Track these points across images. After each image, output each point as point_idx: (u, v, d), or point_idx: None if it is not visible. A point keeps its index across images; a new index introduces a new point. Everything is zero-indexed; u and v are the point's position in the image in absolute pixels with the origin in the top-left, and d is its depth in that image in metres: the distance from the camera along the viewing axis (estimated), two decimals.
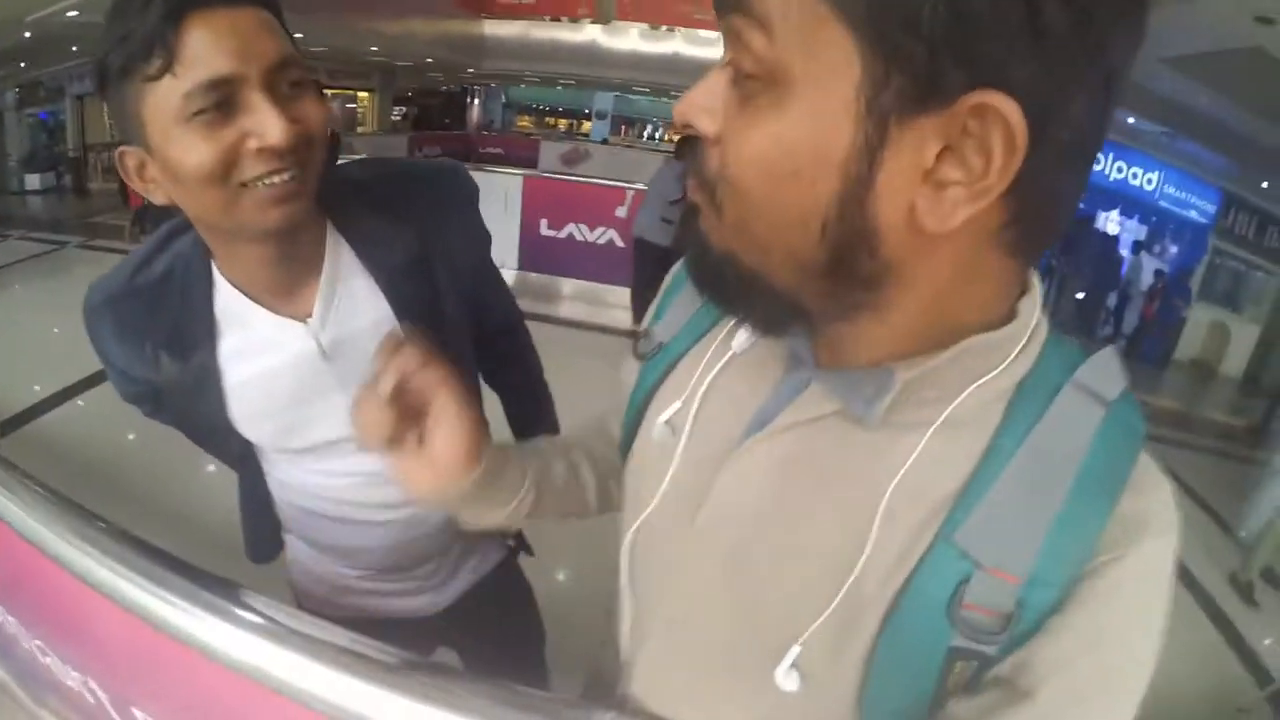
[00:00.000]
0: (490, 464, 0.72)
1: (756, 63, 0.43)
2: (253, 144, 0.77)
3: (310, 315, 0.96)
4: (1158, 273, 9.47)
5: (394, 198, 1.01)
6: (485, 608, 1.31)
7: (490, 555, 1.33)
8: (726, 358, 0.64)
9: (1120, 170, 9.71)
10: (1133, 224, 10.26)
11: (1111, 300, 9.72)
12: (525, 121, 21.92)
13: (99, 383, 4.22)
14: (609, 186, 7.25)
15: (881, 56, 0.39)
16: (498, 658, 1.34)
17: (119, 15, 0.74)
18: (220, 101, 0.75)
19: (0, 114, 13.38)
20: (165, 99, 0.75)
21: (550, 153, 16.55)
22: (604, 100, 19.66)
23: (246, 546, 1.28)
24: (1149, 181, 9.78)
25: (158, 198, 0.84)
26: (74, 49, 12.58)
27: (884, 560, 0.52)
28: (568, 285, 7.19)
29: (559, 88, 19.39)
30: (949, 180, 0.41)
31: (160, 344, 0.96)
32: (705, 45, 14.53)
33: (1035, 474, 0.49)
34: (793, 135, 0.42)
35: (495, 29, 15.41)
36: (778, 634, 0.56)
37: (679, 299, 0.74)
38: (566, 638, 1.51)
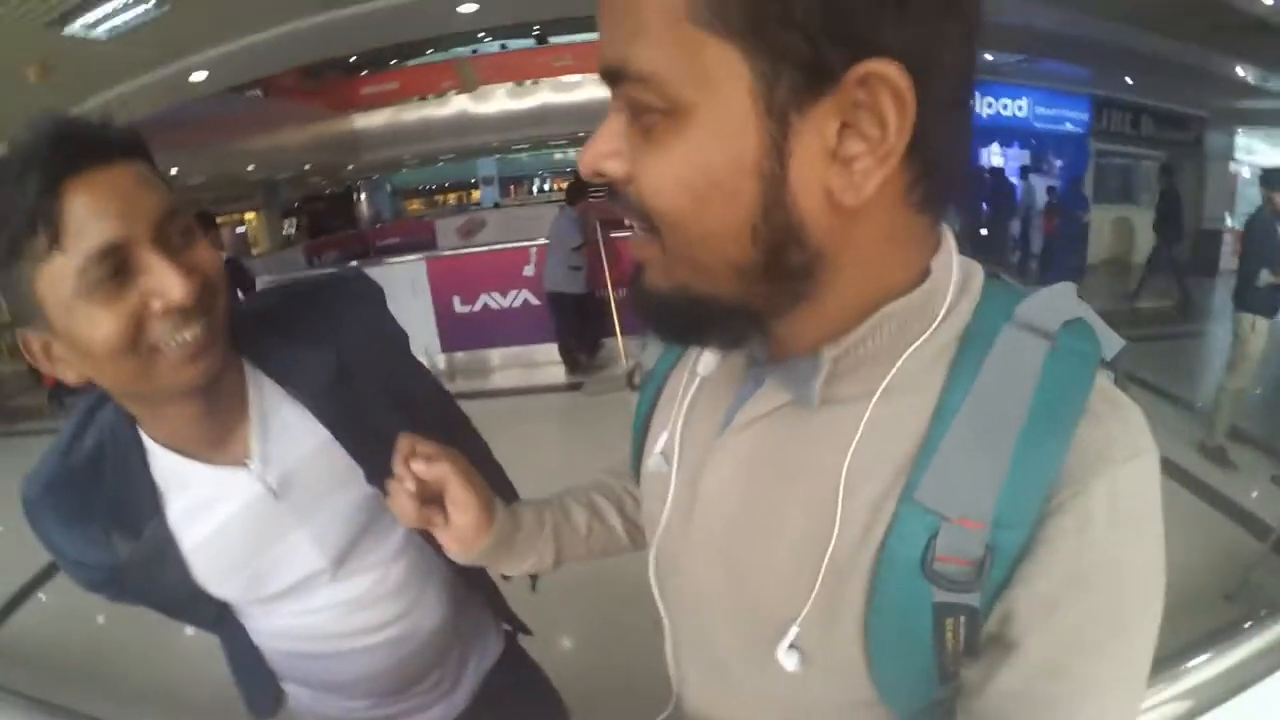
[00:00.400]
0: (503, 527, 0.84)
1: (651, 102, 0.45)
2: (157, 305, 0.75)
3: (249, 459, 0.92)
4: (1050, 189, 9.91)
5: (301, 320, 0.99)
6: (502, 701, 1.26)
7: (491, 648, 1.28)
8: (697, 383, 0.68)
9: (990, 105, 10.19)
10: (1015, 151, 10.75)
11: (1016, 228, 10.12)
12: (415, 205, 21.83)
13: (52, 576, 4.02)
14: (511, 249, 7.35)
15: (766, 57, 0.41)
16: None
17: None
18: (115, 269, 0.73)
19: None
20: (59, 276, 0.72)
21: (447, 230, 16.50)
22: (487, 165, 19.79)
23: (246, 705, 1.20)
24: (1019, 108, 10.29)
25: (69, 376, 0.80)
26: None
27: (853, 533, 0.52)
28: (496, 355, 7.25)
29: (440, 164, 19.42)
30: (854, 154, 0.44)
31: (108, 523, 0.91)
32: (571, 90, 14.80)
33: (985, 418, 0.49)
34: (704, 153, 0.44)
35: (365, 121, 15.40)
36: (775, 620, 0.57)
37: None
38: (589, 705, 1.48)
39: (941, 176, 0.48)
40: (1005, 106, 10.25)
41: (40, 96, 6.38)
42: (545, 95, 15.26)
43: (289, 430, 0.95)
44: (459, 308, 7.18)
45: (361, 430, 0.98)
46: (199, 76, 7.16)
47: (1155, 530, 0.49)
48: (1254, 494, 3.86)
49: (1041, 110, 10.27)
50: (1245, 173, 9.74)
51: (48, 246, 0.71)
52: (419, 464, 0.77)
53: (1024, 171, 10.35)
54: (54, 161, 0.71)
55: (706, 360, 0.66)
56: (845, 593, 0.53)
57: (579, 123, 16.04)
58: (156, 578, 0.94)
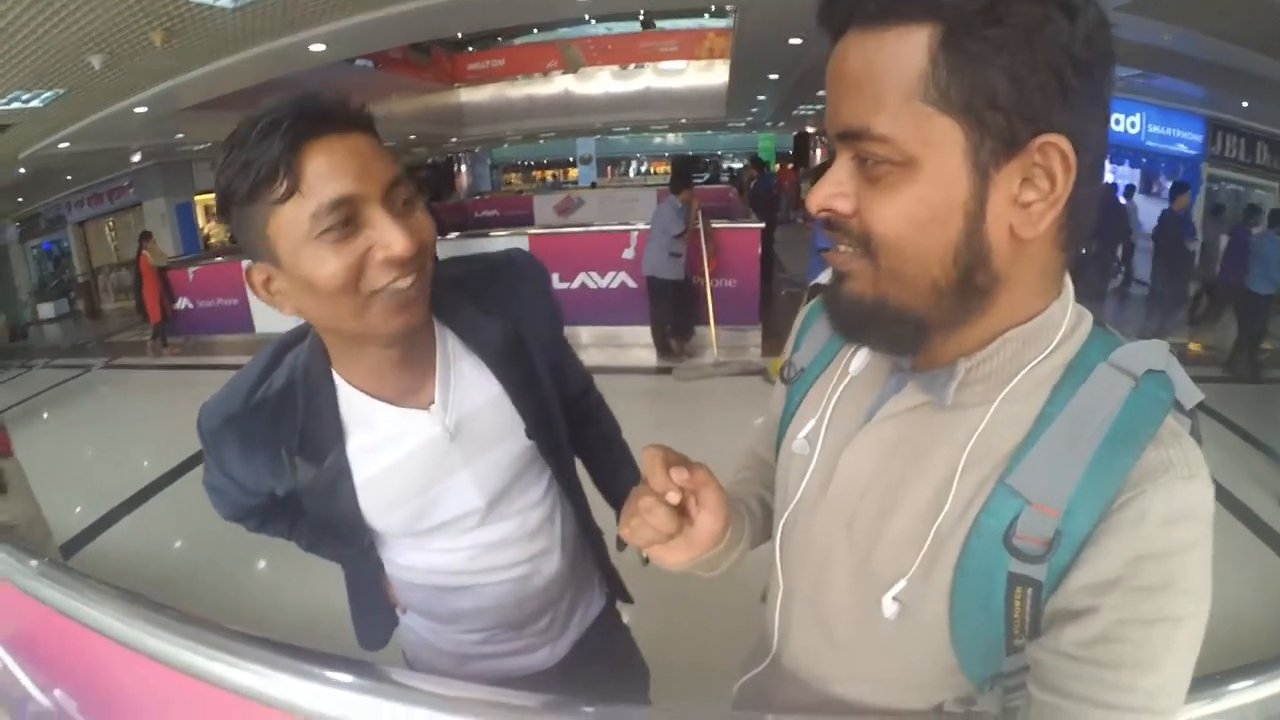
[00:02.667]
0: (732, 518, 0.85)
1: (887, 157, 0.58)
2: (380, 255, 0.84)
3: (431, 404, 1.04)
4: (1162, 213, 9.37)
5: (484, 290, 1.12)
6: (596, 655, 1.37)
7: (594, 604, 1.39)
8: (847, 380, 0.81)
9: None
10: (1124, 170, 10.25)
11: (1119, 251, 9.64)
12: (513, 179, 22.20)
13: (142, 502, 4.38)
14: (613, 232, 7.46)
15: (975, 129, 0.56)
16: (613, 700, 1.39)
17: (239, 145, 0.81)
18: (345, 219, 0.82)
19: (5, 249, 13.88)
20: (294, 218, 0.82)
21: (544, 206, 16.63)
22: (586, 145, 20.00)
23: (360, 635, 1.35)
24: (1132, 125, 9.82)
25: (285, 309, 0.90)
26: (69, 179, 13.02)
27: (958, 508, 0.65)
28: (585, 334, 7.34)
29: (541, 141, 19.69)
30: (1030, 200, 0.57)
31: (292, 451, 1.01)
32: (673, 76, 14.79)
33: (1072, 431, 0.61)
34: (930, 195, 0.58)
35: (471, 95, 15.78)
36: (884, 577, 0.71)
37: (812, 332, 0.90)
38: (662, 671, 1.57)
39: (1080, 223, 0.61)
40: (1118, 122, 9.80)
41: (163, 60, 6.80)
42: (648, 79, 15.29)
43: (466, 382, 1.07)
44: (557, 284, 7.19)
45: (527, 389, 1.12)
46: (317, 48, 7.46)
47: (1204, 546, 0.58)
48: None
49: (1155, 129, 9.78)
50: None
51: (286, 192, 0.81)
52: (682, 473, 0.75)
53: (1128, 191, 9.85)
54: (301, 122, 0.81)
55: (858, 360, 0.80)
56: (943, 555, 0.66)
57: (679, 108, 16.02)
58: (326, 505, 1.06)
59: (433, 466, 1.05)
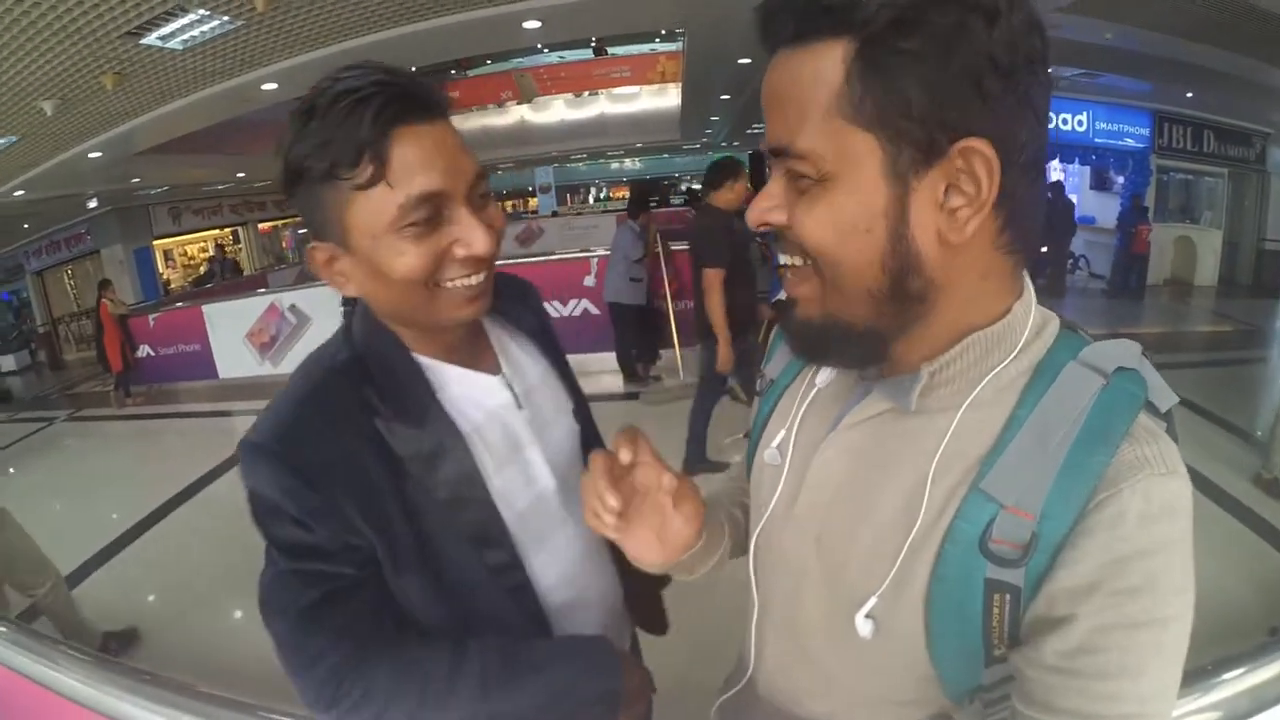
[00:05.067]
0: (709, 533, 0.89)
1: (807, 172, 0.60)
2: (460, 252, 0.84)
3: (499, 371, 1.02)
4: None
5: (507, 286, 1.10)
6: None
7: (626, 631, 1.28)
8: (815, 389, 0.81)
9: (1049, 119, 9.94)
10: (1075, 167, 10.50)
11: (1078, 246, 9.87)
12: None
13: (113, 555, 4.27)
14: (574, 260, 7.55)
15: (892, 141, 0.57)
16: None
17: (317, 119, 0.79)
18: (431, 214, 0.81)
19: None
20: (377, 207, 0.80)
21: (505, 239, 16.72)
22: (545, 174, 20.04)
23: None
24: (1080, 123, 10.07)
25: (348, 290, 0.89)
26: (25, 226, 12.82)
27: (930, 516, 0.65)
28: None
29: (499, 171, 19.72)
30: (956, 205, 0.59)
31: (389, 417, 0.90)
32: (627, 101, 14.89)
33: (1043, 432, 0.60)
34: (849, 205, 0.60)
35: None
36: (856, 592, 0.70)
37: (783, 345, 0.90)
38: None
39: (1024, 226, 0.63)
40: (1065, 121, 10.04)
41: (116, 103, 6.73)
42: (602, 105, 15.37)
43: (519, 357, 1.08)
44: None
45: (565, 371, 1.14)
46: (270, 87, 7.45)
47: (1185, 543, 0.58)
48: None
49: (1102, 125, 10.03)
50: None
51: (371, 179, 0.78)
52: (669, 479, 0.82)
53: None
54: (389, 104, 0.78)
55: (824, 374, 0.81)
56: (916, 566, 0.65)
57: (635, 133, 16.18)
58: (439, 470, 0.92)
59: (511, 433, 1.01)
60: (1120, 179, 10.17)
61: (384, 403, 0.90)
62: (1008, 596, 0.60)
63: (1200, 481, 3.98)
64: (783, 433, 0.82)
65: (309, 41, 6.51)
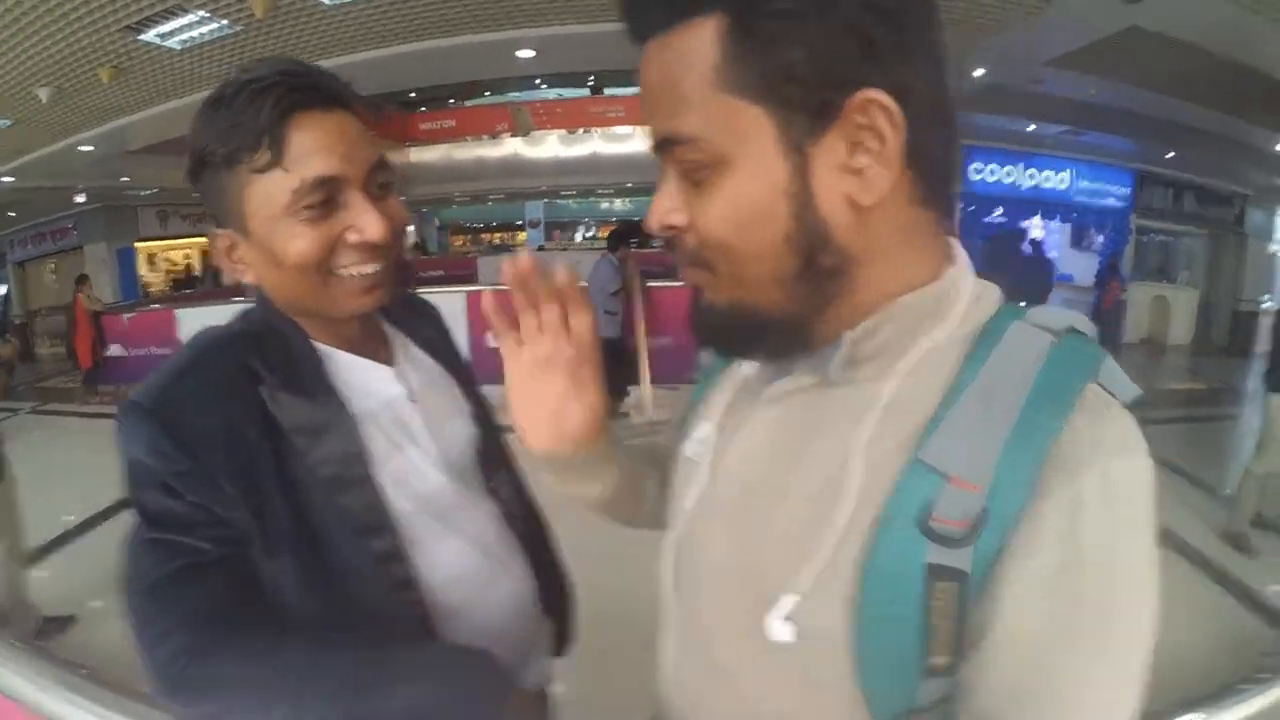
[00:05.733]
0: (606, 440, 0.82)
1: (699, 159, 0.57)
2: (353, 237, 0.85)
3: (391, 364, 1.01)
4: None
5: (404, 300, 1.11)
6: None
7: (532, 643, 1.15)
8: (742, 378, 0.74)
9: (1033, 176, 10.21)
10: (1056, 224, 10.71)
11: (1055, 303, 10.00)
12: (461, 240, 22.29)
13: (62, 546, 4.24)
14: None
15: (780, 108, 0.54)
16: None
17: (223, 107, 0.80)
18: (325, 198, 0.82)
19: None
20: (273, 191, 0.81)
21: (488, 267, 16.74)
22: (534, 209, 20.18)
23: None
24: (1061, 181, 10.30)
25: (246, 278, 0.90)
26: (12, 215, 12.77)
27: (860, 495, 0.56)
28: None
29: (489, 203, 19.84)
30: (863, 165, 0.55)
31: (275, 387, 0.88)
32: (621, 141, 15.11)
33: (991, 394, 0.54)
34: (746, 188, 0.56)
35: (420, 155, 15.83)
36: (773, 589, 0.60)
37: None
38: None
39: (935, 176, 0.59)
40: (1048, 179, 10.27)
41: (111, 97, 6.75)
42: (595, 144, 15.57)
43: (416, 357, 1.06)
44: (492, 342, 7.22)
45: (468, 381, 1.12)
46: None
47: (1147, 528, 0.53)
48: (1275, 587, 3.71)
49: (1084, 184, 10.27)
50: None
51: (269, 163, 0.80)
52: (575, 289, 0.76)
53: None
54: (291, 93, 0.80)
55: (748, 366, 0.73)
56: (843, 555, 0.56)
57: (627, 173, 16.35)
58: (324, 445, 0.89)
59: (402, 423, 0.99)
60: (1100, 238, 10.38)
61: (271, 372, 0.88)
62: (953, 587, 0.52)
63: (1169, 536, 4.03)
64: (708, 425, 0.74)
65: (304, 54, 6.59)
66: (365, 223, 0.84)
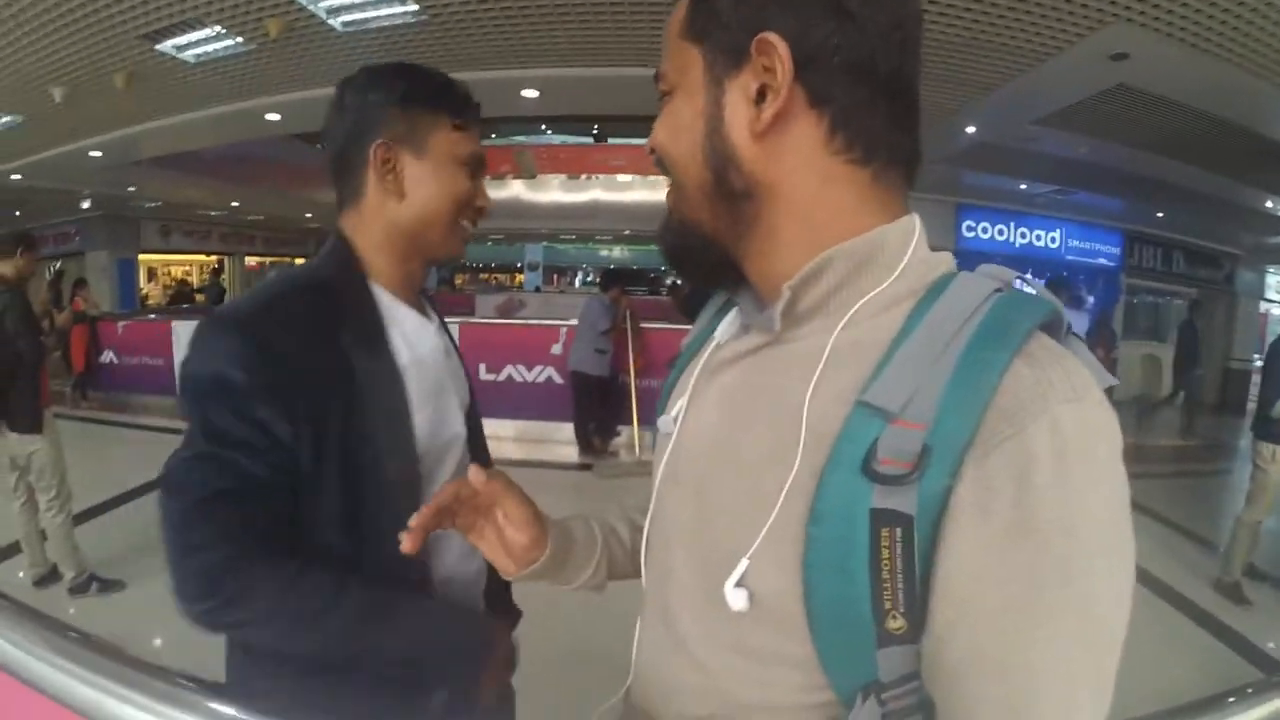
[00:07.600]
0: (557, 542, 0.86)
1: (664, 89, 0.70)
2: (480, 202, 1.15)
3: (433, 320, 1.20)
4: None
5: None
6: None
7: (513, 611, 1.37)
8: (713, 346, 0.75)
9: (1024, 235, 10.37)
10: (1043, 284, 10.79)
11: None
12: (461, 279, 22.45)
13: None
14: (543, 326, 7.68)
15: (707, 49, 0.64)
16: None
17: (444, 79, 1.11)
18: (476, 170, 1.14)
19: None
20: (459, 143, 1.10)
21: (485, 305, 16.85)
22: (535, 252, 20.37)
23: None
24: (1052, 240, 10.45)
25: (389, 188, 1.08)
26: (16, 214, 12.71)
27: (809, 450, 0.57)
28: (510, 426, 7.35)
29: (489, 243, 20.01)
30: (762, 99, 0.62)
31: (347, 340, 1.00)
32: (622, 189, 15.31)
33: (934, 336, 0.54)
34: (679, 107, 0.67)
35: None
36: (729, 554, 0.60)
37: (699, 320, 0.87)
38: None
39: (865, 133, 0.62)
40: (1039, 237, 10.42)
41: (123, 104, 6.82)
42: (597, 191, 15.75)
43: (439, 323, 1.24)
44: (483, 374, 7.35)
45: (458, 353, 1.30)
46: (273, 117, 7.64)
47: (1110, 478, 0.51)
48: (1270, 644, 3.71)
49: (1074, 243, 10.41)
50: (1277, 310, 9.68)
51: (464, 125, 1.11)
52: (477, 473, 0.81)
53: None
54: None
55: (724, 328, 0.75)
56: (791, 511, 0.56)
57: (627, 221, 16.54)
58: (380, 398, 1.03)
59: (439, 373, 1.15)
60: (1090, 298, 10.48)
61: (344, 316, 1.02)
62: (899, 532, 0.51)
63: (1162, 588, 4.07)
64: (682, 400, 0.75)
65: (314, 77, 6.69)
66: (487, 199, 1.16)
